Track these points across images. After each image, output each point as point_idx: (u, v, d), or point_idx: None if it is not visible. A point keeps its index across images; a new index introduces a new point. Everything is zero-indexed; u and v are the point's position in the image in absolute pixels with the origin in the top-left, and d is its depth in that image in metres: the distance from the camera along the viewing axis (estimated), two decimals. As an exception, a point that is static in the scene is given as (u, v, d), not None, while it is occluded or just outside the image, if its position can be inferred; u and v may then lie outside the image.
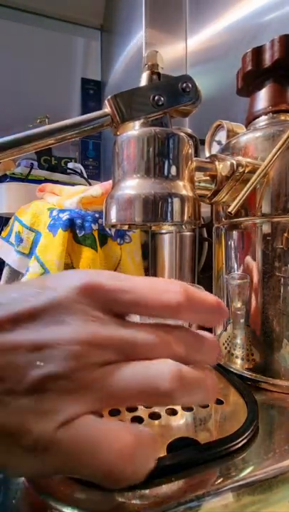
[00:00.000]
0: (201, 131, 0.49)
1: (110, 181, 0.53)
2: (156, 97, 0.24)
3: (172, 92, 0.25)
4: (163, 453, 0.20)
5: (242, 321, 0.30)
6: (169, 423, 0.23)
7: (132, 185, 0.24)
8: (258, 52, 0.30)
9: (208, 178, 0.29)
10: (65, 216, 0.50)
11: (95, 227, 0.50)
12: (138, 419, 0.23)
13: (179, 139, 0.25)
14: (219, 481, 0.18)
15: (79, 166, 0.92)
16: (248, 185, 0.27)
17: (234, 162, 0.28)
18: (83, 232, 0.49)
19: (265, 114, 0.31)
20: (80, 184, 0.76)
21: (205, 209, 0.57)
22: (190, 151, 0.26)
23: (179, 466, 0.18)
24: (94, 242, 0.49)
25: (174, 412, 0.24)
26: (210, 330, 0.38)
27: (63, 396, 0.14)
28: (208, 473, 0.18)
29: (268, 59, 0.29)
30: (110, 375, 0.14)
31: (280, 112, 0.30)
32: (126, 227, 0.29)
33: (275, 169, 0.28)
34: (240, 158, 0.29)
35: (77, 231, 0.49)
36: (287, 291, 0.27)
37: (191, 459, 0.19)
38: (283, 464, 0.19)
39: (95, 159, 1.27)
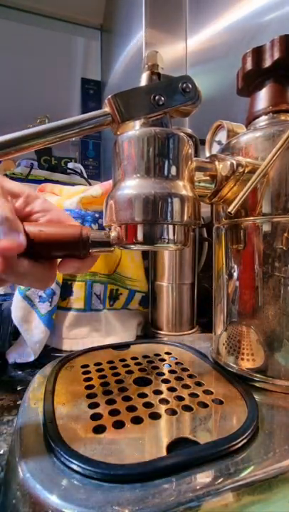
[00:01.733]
0: (201, 131, 0.49)
1: (110, 181, 0.53)
2: (156, 97, 0.24)
3: (172, 92, 0.25)
4: (163, 453, 0.20)
5: (242, 320, 0.30)
6: (169, 423, 0.23)
7: (132, 185, 0.24)
8: (258, 52, 0.30)
9: (208, 178, 0.29)
10: (65, 216, 0.50)
11: (95, 227, 0.50)
12: (138, 419, 0.23)
13: (178, 139, 0.25)
14: (219, 481, 0.18)
15: (79, 166, 0.92)
16: (247, 185, 0.27)
17: (234, 162, 0.28)
18: (83, 232, 0.49)
19: (266, 114, 0.31)
20: (80, 184, 0.76)
21: (205, 209, 0.57)
22: (190, 151, 0.26)
23: (179, 466, 0.18)
24: (94, 242, 0.49)
25: (174, 412, 0.24)
26: (210, 329, 0.38)
27: None
28: (208, 473, 0.18)
29: (268, 59, 0.29)
30: None
31: (281, 112, 0.30)
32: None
33: (275, 169, 0.28)
34: (240, 158, 0.29)
35: (77, 231, 0.49)
36: (287, 291, 0.27)
37: (191, 459, 0.19)
38: (283, 463, 0.19)
39: (95, 159, 1.27)
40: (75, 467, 0.18)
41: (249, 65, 0.31)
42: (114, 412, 0.24)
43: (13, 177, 0.76)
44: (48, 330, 0.46)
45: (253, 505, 0.18)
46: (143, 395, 0.27)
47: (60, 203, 0.55)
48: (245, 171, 0.28)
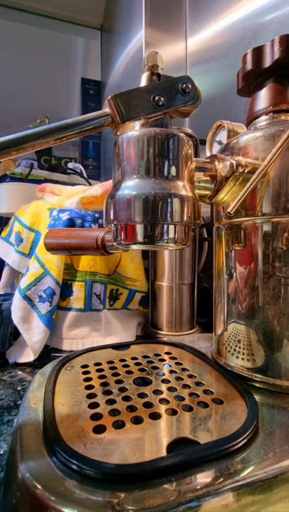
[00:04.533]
0: (201, 131, 0.49)
1: (110, 181, 0.53)
2: (156, 98, 0.24)
3: (172, 93, 0.25)
4: (163, 453, 0.20)
5: (242, 320, 0.30)
6: (169, 423, 0.23)
7: (132, 186, 0.24)
8: (258, 52, 0.30)
9: (208, 178, 0.29)
10: (65, 216, 0.50)
11: (95, 227, 0.50)
12: (138, 419, 0.23)
13: (178, 139, 0.25)
14: (219, 481, 0.18)
15: (79, 166, 0.92)
16: (247, 185, 0.27)
17: (234, 162, 0.28)
18: (83, 232, 0.49)
19: (266, 113, 0.31)
20: (80, 184, 0.76)
21: (205, 209, 0.57)
22: (190, 151, 0.26)
23: (179, 466, 0.18)
24: (94, 242, 0.49)
25: (174, 412, 0.24)
26: (210, 329, 0.38)
27: None
28: (208, 473, 0.18)
29: (268, 59, 0.29)
30: None
31: (281, 112, 0.30)
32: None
33: (275, 169, 0.28)
34: (240, 158, 0.29)
35: (77, 231, 0.49)
36: (287, 291, 0.27)
37: (191, 459, 0.19)
38: (283, 463, 0.19)
39: (95, 159, 1.27)
40: (74, 467, 0.18)
41: (249, 65, 0.31)
42: (114, 412, 0.24)
43: (13, 177, 0.76)
44: (48, 330, 0.46)
45: (253, 505, 0.18)
46: (143, 395, 0.27)
47: (60, 203, 0.55)
48: (245, 171, 0.28)
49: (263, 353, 0.29)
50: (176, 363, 0.34)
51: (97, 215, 0.52)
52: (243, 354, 0.30)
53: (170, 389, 0.28)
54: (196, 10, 0.75)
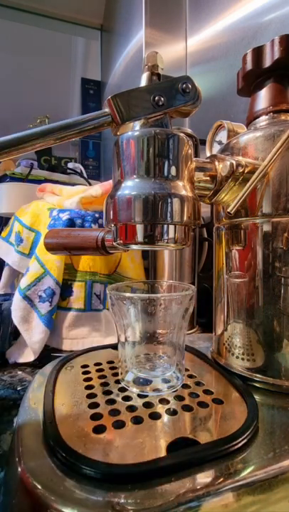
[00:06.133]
0: (201, 131, 0.49)
1: (110, 181, 0.53)
2: (156, 98, 0.24)
3: (172, 93, 0.25)
4: (163, 453, 0.20)
5: (242, 320, 0.30)
6: (169, 423, 0.23)
7: (132, 186, 0.24)
8: (258, 52, 0.30)
9: (208, 178, 0.29)
10: (65, 216, 0.50)
11: (95, 227, 0.50)
12: (138, 419, 0.23)
13: (178, 139, 0.25)
14: (219, 481, 0.18)
15: (79, 166, 0.92)
16: (247, 185, 0.27)
17: (234, 162, 0.28)
18: (83, 232, 0.49)
19: (266, 113, 0.31)
20: (80, 184, 0.76)
21: (205, 209, 0.57)
22: (190, 151, 0.26)
23: (179, 466, 0.18)
24: (94, 242, 0.49)
25: (174, 412, 0.24)
26: (210, 329, 0.38)
27: None
28: (208, 473, 0.18)
29: (268, 59, 0.29)
30: None
31: (281, 112, 0.30)
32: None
33: (275, 169, 0.28)
34: (239, 158, 0.29)
35: (77, 231, 0.49)
36: (287, 291, 0.27)
37: (191, 459, 0.19)
38: (283, 463, 0.19)
39: (95, 159, 1.27)
40: (75, 467, 0.18)
41: (249, 65, 0.31)
42: (114, 412, 0.24)
43: (13, 177, 0.76)
44: (48, 330, 0.46)
45: (253, 505, 0.18)
46: (143, 395, 0.27)
47: (60, 203, 0.55)
48: (245, 171, 0.28)
49: (262, 353, 0.29)
50: (176, 363, 0.34)
51: (97, 215, 0.52)
52: (243, 354, 0.30)
53: (170, 389, 0.28)
54: (196, 10, 0.75)
